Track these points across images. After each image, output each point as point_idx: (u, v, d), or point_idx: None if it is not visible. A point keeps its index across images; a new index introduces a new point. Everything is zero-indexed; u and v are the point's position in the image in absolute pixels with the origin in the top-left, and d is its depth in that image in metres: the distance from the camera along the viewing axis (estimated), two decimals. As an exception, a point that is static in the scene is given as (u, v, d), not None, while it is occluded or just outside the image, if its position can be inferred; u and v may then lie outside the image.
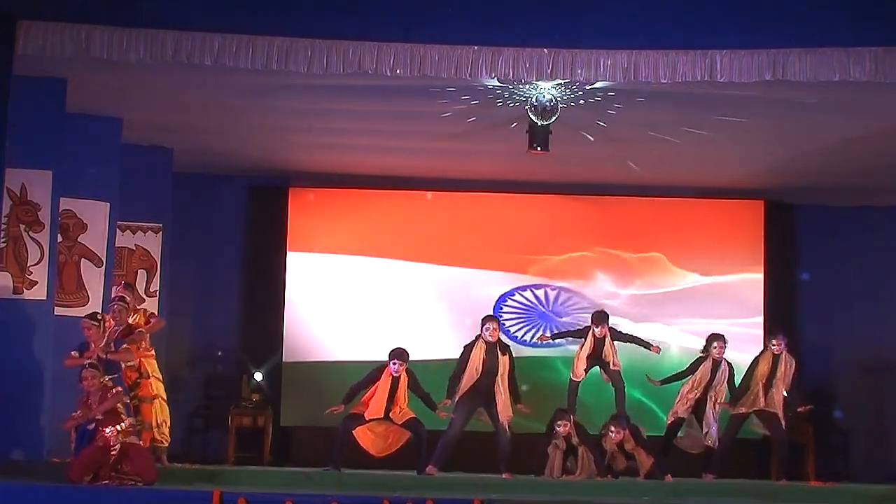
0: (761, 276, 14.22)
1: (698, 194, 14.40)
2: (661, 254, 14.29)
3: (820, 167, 13.07)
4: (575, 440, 11.31)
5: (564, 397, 12.05)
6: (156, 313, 11.37)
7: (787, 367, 11.66)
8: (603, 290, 14.22)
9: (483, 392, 11.30)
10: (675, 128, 11.97)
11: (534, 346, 13.85)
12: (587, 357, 11.92)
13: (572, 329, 13.16)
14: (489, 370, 11.28)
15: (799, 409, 11.85)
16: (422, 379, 11.43)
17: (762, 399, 11.60)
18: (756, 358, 11.87)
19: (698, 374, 11.77)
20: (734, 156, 12.87)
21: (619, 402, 11.92)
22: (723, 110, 11.23)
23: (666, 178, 13.95)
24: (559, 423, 11.31)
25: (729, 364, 11.86)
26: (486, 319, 11.61)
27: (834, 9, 9.73)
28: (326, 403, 11.58)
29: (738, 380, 11.89)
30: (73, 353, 10.25)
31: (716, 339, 11.92)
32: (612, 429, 11.34)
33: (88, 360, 9.92)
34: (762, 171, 13.35)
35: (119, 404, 9.80)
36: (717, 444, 11.64)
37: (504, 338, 12.00)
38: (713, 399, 11.70)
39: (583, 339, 12.05)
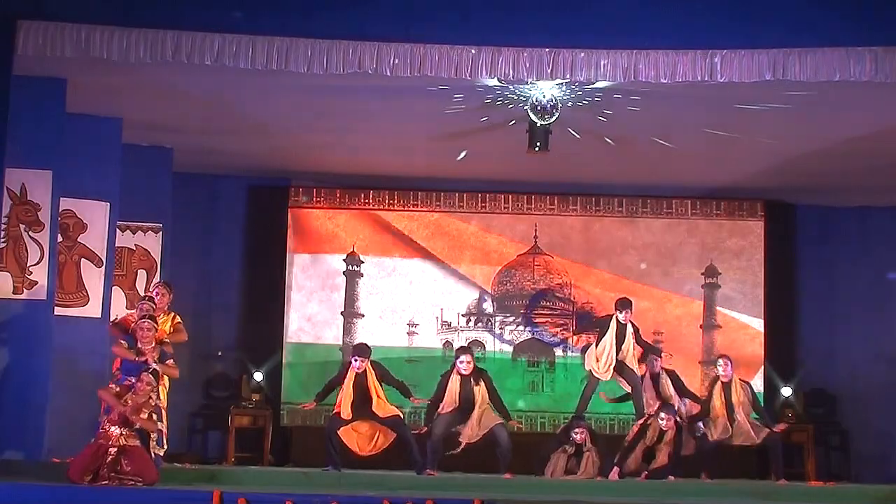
0: (761, 276, 14.22)
1: (698, 194, 14.40)
2: (660, 254, 14.29)
3: (820, 167, 13.06)
4: (587, 446, 11.30)
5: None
6: (182, 323, 11.15)
7: (741, 392, 11.58)
8: (602, 289, 14.22)
9: (461, 416, 11.37)
10: (676, 128, 11.97)
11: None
12: (609, 351, 11.76)
13: (594, 320, 13.17)
14: (466, 400, 11.37)
15: (775, 430, 11.78)
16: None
17: (730, 428, 11.53)
18: (709, 390, 11.83)
19: (644, 389, 11.76)
20: (734, 156, 12.86)
21: (635, 400, 11.85)
22: (723, 110, 11.23)
23: (666, 179, 13.94)
24: (576, 430, 11.30)
25: (669, 373, 11.87)
26: (460, 351, 11.69)
27: (834, 9, 9.72)
28: (326, 404, 11.63)
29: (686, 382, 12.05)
30: (122, 341, 10.24)
31: (651, 351, 12.02)
32: (664, 415, 11.29)
33: (152, 369, 9.96)
34: (762, 171, 13.34)
35: (147, 426, 9.85)
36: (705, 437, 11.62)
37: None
38: (679, 411, 11.65)
39: (601, 332, 11.94)
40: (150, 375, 9.89)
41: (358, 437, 11.29)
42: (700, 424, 11.60)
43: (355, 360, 11.28)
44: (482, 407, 11.37)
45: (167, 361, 10.45)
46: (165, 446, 10.88)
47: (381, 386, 11.33)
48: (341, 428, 11.22)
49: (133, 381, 9.89)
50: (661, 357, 12.05)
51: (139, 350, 10.22)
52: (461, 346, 12.10)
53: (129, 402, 9.72)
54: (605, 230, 14.32)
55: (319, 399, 11.56)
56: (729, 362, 11.74)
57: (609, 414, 13.66)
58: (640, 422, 11.56)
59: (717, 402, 11.61)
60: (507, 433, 11.42)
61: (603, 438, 12.34)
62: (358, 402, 11.20)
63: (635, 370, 11.86)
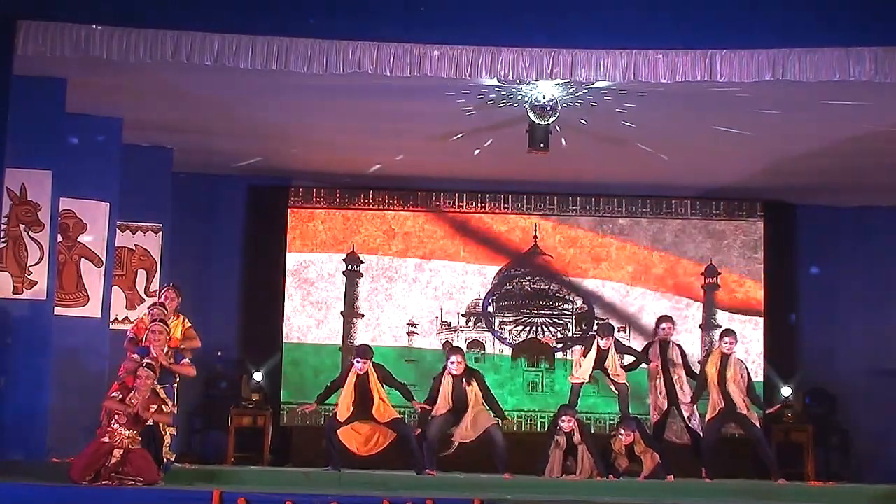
0: (761, 276, 14.23)
1: (698, 194, 14.41)
2: (660, 254, 14.30)
3: (820, 167, 13.06)
4: (576, 438, 11.30)
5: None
6: (192, 328, 11.15)
7: (737, 368, 11.52)
8: (600, 289, 14.24)
9: (455, 417, 11.36)
10: (676, 128, 11.97)
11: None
12: (585, 372, 11.78)
13: (577, 336, 13.23)
14: (458, 401, 11.33)
15: (768, 412, 11.79)
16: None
17: (722, 403, 11.47)
18: (704, 358, 11.84)
19: (651, 358, 11.75)
20: (734, 156, 12.86)
21: (622, 405, 11.85)
22: (723, 110, 11.23)
23: (666, 179, 13.94)
24: (563, 418, 11.31)
25: (679, 346, 11.86)
26: (451, 352, 11.62)
27: (834, 9, 9.72)
28: (328, 403, 11.65)
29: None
30: (134, 356, 10.19)
31: (664, 320, 12.02)
32: (623, 432, 11.34)
33: (146, 362, 9.91)
34: (762, 171, 13.35)
35: (155, 418, 9.78)
36: (701, 431, 11.58)
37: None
38: (679, 385, 11.63)
39: (585, 347, 11.92)
40: (147, 369, 9.80)
41: (357, 438, 11.26)
42: (696, 420, 11.58)
43: (357, 362, 11.23)
44: (476, 408, 11.33)
45: (182, 362, 10.41)
46: (172, 456, 10.87)
47: (384, 388, 11.29)
48: (340, 428, 11.20)
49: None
50: (673, 325, 12.00)
51: (153, 357, 10.13)
52: (452, 347, 12.07)
53: (135, 401, 9.69)
54: (604, 230, 14.33)
55: (321, 401, 11.54)
56: (733, 341, 11.65)
57: (606, 414, 13.69)
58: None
59: (712, 370, 11.50)
60: (503, 434, 11.38)
61: (603, 439, 12.35)
62: (358, 404, 11.16)
63: (620, 377, 11.79)
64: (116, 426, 9.61)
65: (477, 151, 12.90)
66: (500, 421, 11.46)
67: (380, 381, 11.26)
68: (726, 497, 10.60)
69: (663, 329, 11.89)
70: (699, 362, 11.97)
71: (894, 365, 13.94)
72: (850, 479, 13.38)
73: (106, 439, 9.60)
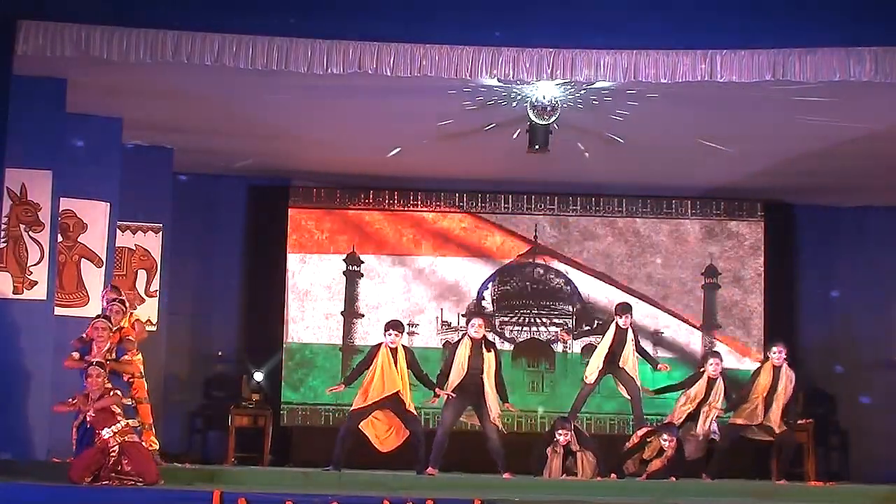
0: (761, 276, 14.22)
1: (698, 194, 14.40)
2: (660, 254, 14.30)
3: (819, 167, 13.07)
4: (574, 447, 11.28)
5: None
6: (141, 319, 11.23)
7: (787, 381, 11.50)
8: (601, 290, 14.23)
9: (471, 391, 11.18)
10: (675, 128, 11.97)
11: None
12: (605, 357, 11.61)
13: (594, 325, 13.17)
14: (474, 368, 11.15)
15: (800, 422, 11.79)
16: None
17: (761, 415, 11.49)
18: (757, 369, 11.75)
19: (694, 389, 11.63)
20: (733, 156, 12.85)
21: (636, 410, 11.75)
22: (723, 110, 11.23)
23: (665, 179, 13.94)
24: (559, 431, 11.27)
25: (724, 380, 11.77)
26: (472, 315, 11.60)
27: (834, 9, 9.73)
28: (326, 403, 11.61)
29: (733, 390, 11.81)
30: (73, 353, 10.19)
31: (712, 356, 11.85)
32: (666, 437, 11.27)
33: (96, 360, 9.89)
34: (761, 171, 13.35)
35: (115, 405, 9.76)
36: (718, 437, 11.57)
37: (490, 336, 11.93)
38: (706, 414, 11.57)
39: (601, 337, 11.81)
40: (97, 367, 9.77)
41: (377, 429, 11.10)
42: (716, 426, 11.56)
43: (389, 334, 11.05)
44: (491, 382, 11.10)
45: (122, 358, 10.35)
46: (156, 444, 10.88)
47: (408, 374, 11.08)
48: (362, 422, 11.05)
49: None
50: (721, 362, 11.78)
51: (94, 353, 10.12)
52: (473, 312, 11.88)
53: (91, 400, 9.67)
54: (604, 230, 14.33)
55: (349, 382, 11.32)
56: (784, 350, 11.64)
57: (608, 414, 13.69)
58: (642, 434, 11.52)
59: (764, 380, 11.48)
60: (497, 435, 11.18)
61: (603, 439, 12.36)
62: (386, 386, 10.93)
63: (635, 378, 11.71)
64: (102, 433, 9.60)
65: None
66: (500, 425, 11.26)
67: (406, 365, 11.08)
68: (726, 497, 10.61)
69: (711, 365, 11.63)
70: (751, 376, 11.81)
71: (894, 365, 13.95)
72: (849, 479, 13.38)
73: (100, 446, 9.59)
